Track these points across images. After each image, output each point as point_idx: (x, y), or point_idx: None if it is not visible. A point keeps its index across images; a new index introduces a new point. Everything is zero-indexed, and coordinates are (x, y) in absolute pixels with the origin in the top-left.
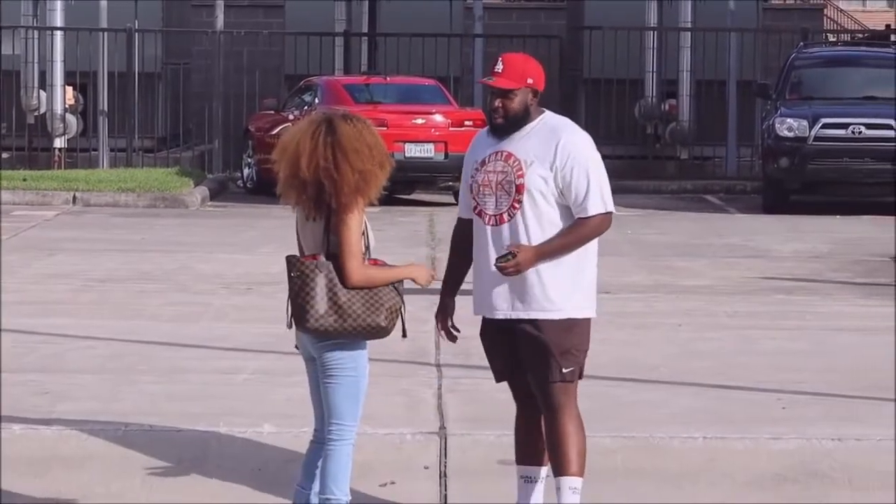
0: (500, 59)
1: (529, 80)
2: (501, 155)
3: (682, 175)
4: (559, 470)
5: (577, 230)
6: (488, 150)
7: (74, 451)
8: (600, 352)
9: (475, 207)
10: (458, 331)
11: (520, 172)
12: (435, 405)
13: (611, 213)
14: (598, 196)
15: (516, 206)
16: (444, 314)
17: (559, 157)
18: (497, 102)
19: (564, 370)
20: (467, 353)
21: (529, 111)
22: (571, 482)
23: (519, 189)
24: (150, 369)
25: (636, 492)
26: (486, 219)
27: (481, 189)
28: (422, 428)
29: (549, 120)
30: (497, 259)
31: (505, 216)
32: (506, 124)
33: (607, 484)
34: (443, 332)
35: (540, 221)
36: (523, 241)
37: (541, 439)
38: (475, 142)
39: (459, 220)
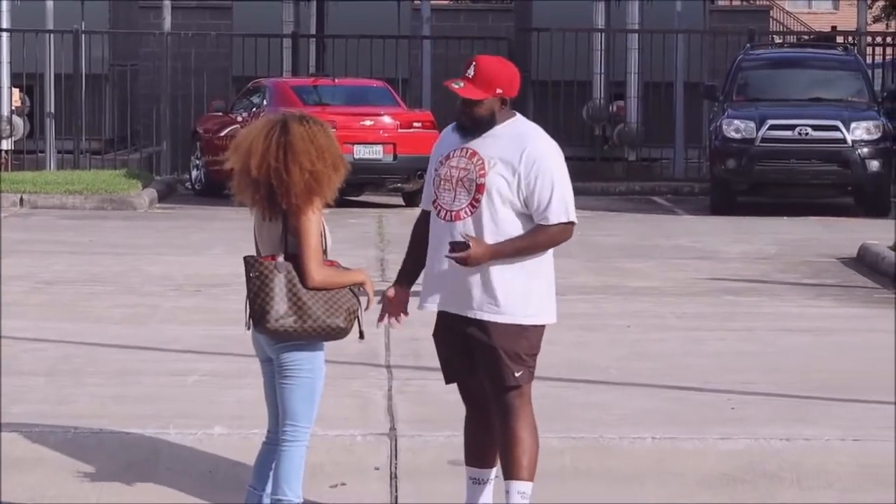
0: (473, 62)
1: (498, 91)
2: (466, 152)
3: (630, 176)
4: (509, 474)
5: (536, 236)
6: (454, 145)
7: (25, 454)
8: (549, 352)
9: (434, 201)
10: (406, 315)
11: (482, 172)
12: (385, 406)
13: (573, 223)
14: (562, 205)
15: (475, 204)
16: (396, 304)
17: (524, 164)
18: (464, 107)
19: (515, 374)
20: (417, 355)
21: (496, 117)
22: (521, 486)
23: (479, 188)
24: (100, 371)
25: (585, 492)
26: (443, 213)
27: (442, 183)
28: (372, 429)
29: (518, 124)
30: (451, 245)
31: (462, 213)
32: (471, 127)
33: (556, 484)
34: (386, 318)
35: (496, 222)
36: (479, 238)
37: (490, 441)
38: (443, 136)
39: (422, 211)
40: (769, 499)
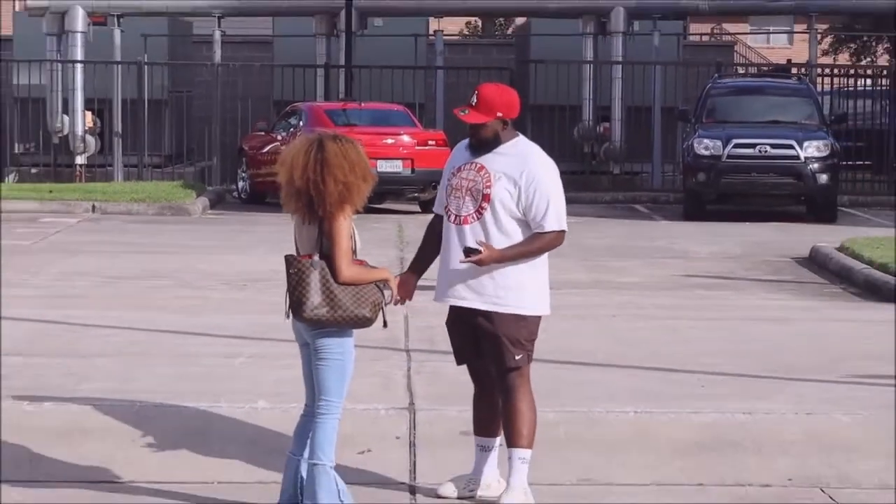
0: (476, 92)
1: (499, 114)
2: (475, 166)
3: (614, 188)
4: (511, 442)
5: (534, 242)
6: (465, 160)
7: (95, 424)
8: (545, 339)
9: (446, 207)
10: (410, 299)
11: (488, 184)
12: (405, 385)
13: (564, 231)
14: (555, 216)
15: (481, 211)
16: (405, 287)
17: (525, 179)
18: (471, 129)
19: (516, 357)
20: (432, 340)
21: (500, 137)
22: (521, 453)
23: (486, 198)
24: (160, 354)
25: (576, 458)
26: (453, 218)
27: (453, 192)
28: (394, 404)
29: (521, 145)
30: (466, 250)
31: (469, 218)
32: (479, 146)
33: (552, 451)
34: (398, 300)
35: (499, 227)
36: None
37: (494, 415)
38: (456, 150)
39: (435, 215)
40: (735, 464)
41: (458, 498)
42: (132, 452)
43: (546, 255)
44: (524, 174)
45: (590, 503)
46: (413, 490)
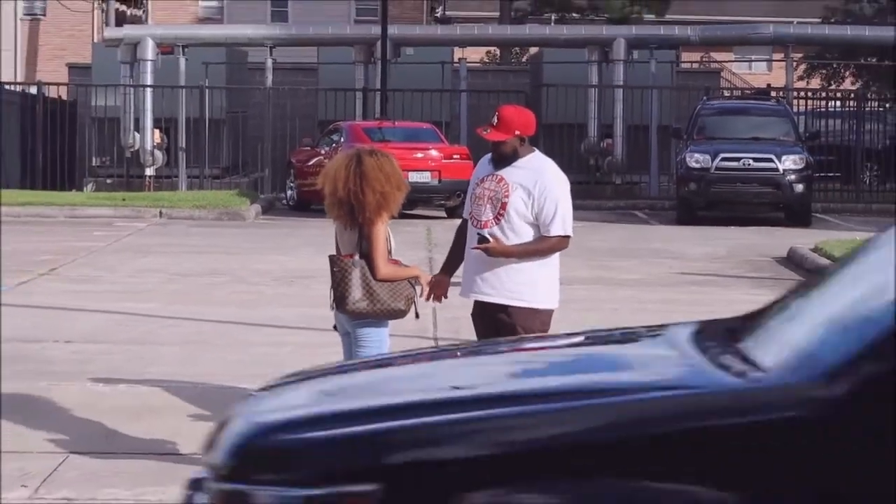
0: (497, 113)
1: (517, 132)
2: (496, 178)
3: (616, 196)
4: None
5: (539, 243)
6: (488, 172)
7: (162, 403)
8: (555, 329)
9: (470, 213)
10: (446, 297)
11: (506, 193)
12: None
13: (569, 236)
14: (561, 223)
15: (499, 217)
16: (440, 287)
17: (538, 189)
18: (493, 146)
19: None
20: (458, 330)
21: (518, 152)
22: None
23: (503, 206)
24: (219, 342)
25: None
26: (475, 223)
27: (476, 200)
28: None
29: (536, 160)
30: (479, 239)
31: (489, 223)
32: (499, 160)
33: None
34: (433, 299)
35: (514, 231)
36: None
37: None
38: (480, 164)
39: (462, 219)
40: None
41: None
42: (195, 428)
43: (557, 256)
44: (538, 185)
45: None
46: None
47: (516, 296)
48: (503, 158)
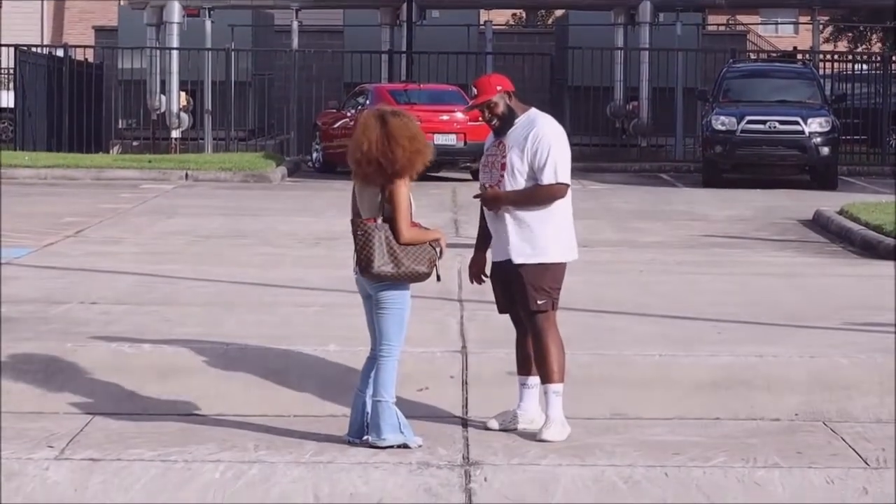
0: (474, 85)
1: (499, 88)
2: (497, 143)
3: (642, 158)
4: (544, 379)
5: (532, 191)
6: (491, 141)
7: (188, 364)
8: (580, 290)
9: (481, 182)
10: (486, 276)
11: (504, 154)
12: (458, 330)
13: (562, 183)
14: (552, 170)
15: (501, 178)
16: (477, 266)
17: (530, 141)
18: (488, 115)
19: (539, 301)
20: (482, 292)
21: (513, 109)
22: (554, 387)
23: (503, 166)
24: (244, 303)
25: (608, 394)
26: (484, 189)
27: (483, 168)
28: (448, 347)
29: (532, 114)
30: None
31: (493, 186)
32: (501, 125)
33: (586, 389)
34: (474, 279)
35: (514, 186)
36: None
37: (531, 354)
38: (487, 138)
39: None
40: (746, 400)
41: (504, 430)
42: (220, 388)
43: (567, 209)
44: (530, 136)
45: (621, 435)
46: (465, 423)
47: (525, 253)
48: (503, 121)
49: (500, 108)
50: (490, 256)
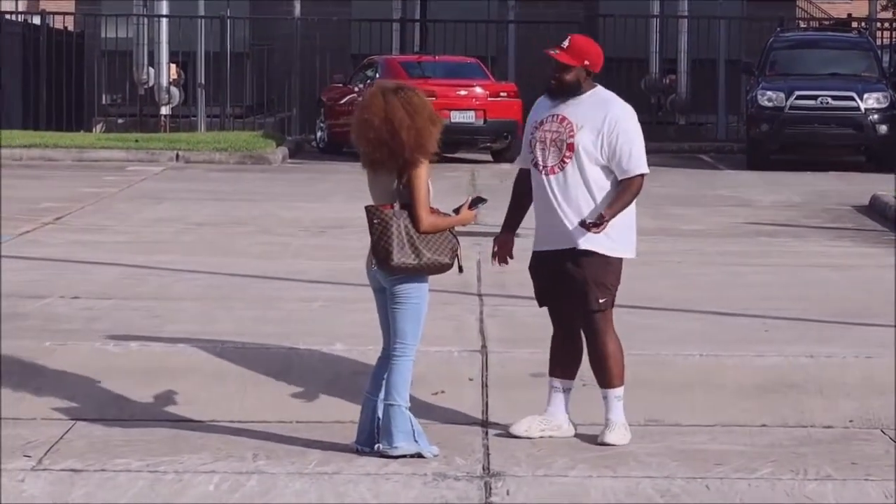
0: (569, 37)
1: (586, 62)
2: (557, 118)
3: (680, 138)
4: (604, 383)
5: (628, 189)
6: (546, 112)
7: (179, 364)
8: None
9: (532, 160)
10: (511, 258)
11: (571, 133)
12: (477, 328)
13: (646, 174)
14: (638, 160)
15: (566, 160)
16: (504, 246)
17: (607, 125)
18: (555, 72)
19: (600, 300)
20: (503, 285)
21: (581, 85)
22: (616, 392)
23: (570, 147)
24: (241, 297)
25: (645, 398)
26: (541, 169)
27: (538, 144)
28: (467, 346)
29: (600, 93)
30: (589, 222)
31: (555, 168)
32: (559, 90)
33: None
34: (497, 261)
35: (583, 175)
36: (570, 188)
37: (573, 357)
38: (536, 105)
39: (520, 170)
40: (797, 406)
41: (530, 437)
42: (214, 392)
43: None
44: (606, 120)
45: (658, 443)
46: (486, 429)
47: (596, 238)
48: (564, 88)
49: (570, 78)
50: (540, 243)
